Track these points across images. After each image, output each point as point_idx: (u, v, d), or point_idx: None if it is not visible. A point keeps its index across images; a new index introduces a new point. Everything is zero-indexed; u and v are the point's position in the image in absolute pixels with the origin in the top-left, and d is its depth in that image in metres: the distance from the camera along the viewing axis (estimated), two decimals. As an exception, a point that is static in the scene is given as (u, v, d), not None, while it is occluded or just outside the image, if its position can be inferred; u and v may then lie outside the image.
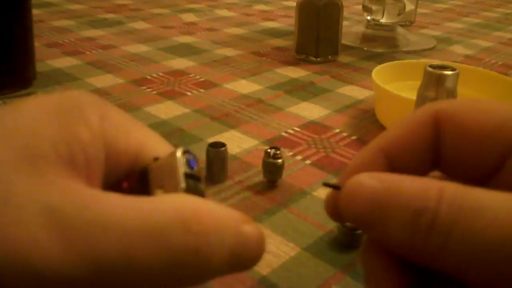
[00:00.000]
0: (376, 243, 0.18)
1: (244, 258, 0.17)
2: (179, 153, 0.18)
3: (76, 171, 0.16)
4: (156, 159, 0.19)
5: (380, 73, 0.57)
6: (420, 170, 0.20)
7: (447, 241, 0.15)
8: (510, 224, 0.14)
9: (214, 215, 0.16)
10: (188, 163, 0.18)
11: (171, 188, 0.18)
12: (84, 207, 0.15)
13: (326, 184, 0.19)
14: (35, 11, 0.71)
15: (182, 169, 0.18)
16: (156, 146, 0.20)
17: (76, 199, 0.15)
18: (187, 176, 0.18)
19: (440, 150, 0.20)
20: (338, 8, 0.74)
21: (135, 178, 0.19)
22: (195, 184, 0.18)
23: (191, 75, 0.69)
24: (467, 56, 0.85)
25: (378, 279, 0.18)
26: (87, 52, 0.78)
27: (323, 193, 0.42)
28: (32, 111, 0.17)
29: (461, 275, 0.15)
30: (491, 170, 0.19)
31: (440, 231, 0.15)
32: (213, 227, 0.16)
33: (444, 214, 0.15)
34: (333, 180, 0.44)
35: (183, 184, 0.17)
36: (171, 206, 0.16)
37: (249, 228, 0.17)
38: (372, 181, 0.17)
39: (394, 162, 0.20)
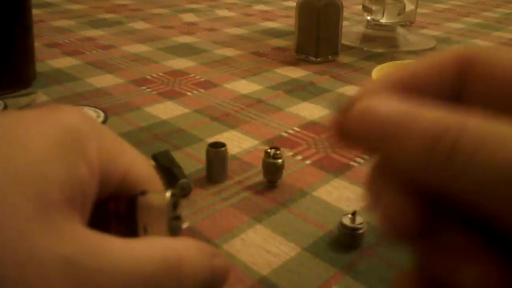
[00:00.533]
0: (386, 167, 0.17)
1: (211, 286, 0.20)
2: (168, 198, 0.20)
3: (74, 210, 0.18)
4: (143, 192, 0.21)
5: (380, 73, 0.57)
6: None
7: (470, 163, 0.14)
8: None
9: (192, 258, 0.19)
10: (173, 205, 0.21)
11: (157, 228, 0.20)
12: (93, 256, 0.17)
13: (335, 104, 0.18)
14: (35, 11, 0.71)
15: (169, 213, 0.20)
16: (141, 168, 0.22)
17: (86, 248, 0.17)
18: (172, 218, 0.21)
19: (464, 97, 0.18)
20: (338, 8, 0.74)
21: (122, 205, 0.21)
22: (177, 224, 0.21)
23: (191, 75, 0.69)
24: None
25: (387, 207, 0.17)
26: (87, 52, 0.78)
27: (323, 193, 0.42)
28: (39, 150, 0.18)
29: (479, 203, 0.15)
30: None
31: (463, 151, 0.14)
32: (190, 270, 0.19)
33: (468, 137, 0.14)
34: (336, 180, 0.44)
35: (168, 227, 0.20)
36: (159, 255, 0.18)
37: (218, 262, 0.21)
38: (388, 102, 0.16)
39: (412, 95, 0.18)
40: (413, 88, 0.18)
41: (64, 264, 0.16)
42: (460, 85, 0.18)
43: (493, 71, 0.18)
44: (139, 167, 0.22)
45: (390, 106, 0.16)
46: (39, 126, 0.18)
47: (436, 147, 0.15)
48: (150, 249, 0.18)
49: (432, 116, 0.15)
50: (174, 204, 0.21)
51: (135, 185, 0.21)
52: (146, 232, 0.20)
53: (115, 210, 0.21)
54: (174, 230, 0.20)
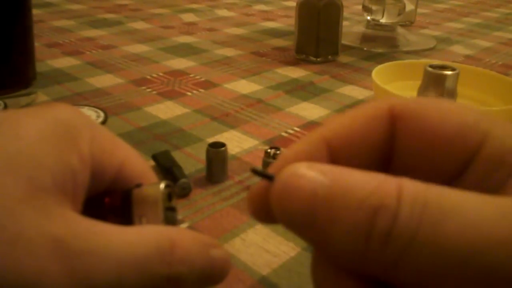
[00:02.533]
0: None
1: (211, 277, 0.20)
2: (162, 188, 0.20)
3: (65, 196, 0.18)
4: (138, 185, 0.21)
5: (380, 73, 0.57)
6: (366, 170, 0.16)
7: (409, 249, 0.12)
8: (487, 227, 0.12)
9: (185, 244, 0.19)
10: (168, 196, 0.20)
11: (152, 218, 0.20)
12: (84, 238, 0.17)
13: (255, 171, 0.16)
14: (35, 11, 0.71)
15: (163, 204, 0.20)
16: (135, 163, 0.22)
17: (76, 231, 0.17)
18: (166, 209, 0.20)
19: (392, 150, 0.17)
20: (338, 8, 0.74)
21: (117, 198, 0.21)
22: (172, 215, 0.21)
23: (191, 75, 0.69)
24: (467, 56, 0.85)
25: None
26: (87, 52, 0.78)
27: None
28: (31, 138, 0.18)
29: None
30: (449, 178, 0.16)
31: (401, 236, 0.12)
32: (184, 256, 0.19)
33: (406, 215, 0.12)
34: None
35: (163, 218, 0.20)
36: (151, 239, 0.18)
37: (216, 252, 0.20)
38: (313, 173, 0.14)
39: (338, 157, 0.17)
40: (341, 145, 0.17)
41: (53, 244, 0.16)
42: (390, 138, 0.17)
43: (419, 124, 0.16)
44: (134, 162, 0.22)
45: (315, 178, 0.14)
46: (32, 119, 0.19)
47: (371, 229, 0.13)
48: (143, 234, 0.18)
49: (362, 188, 0.13)
50: (169, 195, 0.21)
51: (130, 179, 0.21)
52: (141, 223, 0.20)
53: (111, 204, 0.21)
54: (169, 221, 0.20)
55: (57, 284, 0.16)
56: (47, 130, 0.18)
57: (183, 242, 0.19)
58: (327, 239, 0.13)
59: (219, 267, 0.20)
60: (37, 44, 0.65)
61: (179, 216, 0.38)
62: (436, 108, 0.16)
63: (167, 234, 0.19)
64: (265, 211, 0.16)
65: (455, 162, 0.16)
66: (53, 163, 0.18)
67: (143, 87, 0.64)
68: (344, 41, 0.83)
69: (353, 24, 1.02)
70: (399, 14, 0.87)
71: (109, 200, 0.21)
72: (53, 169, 0.18)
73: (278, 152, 0.42)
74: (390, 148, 0.17)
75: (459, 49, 0.89)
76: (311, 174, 0.14)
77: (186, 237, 0.19)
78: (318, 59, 0.75)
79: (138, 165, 0.22)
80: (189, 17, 1.05)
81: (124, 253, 0.17)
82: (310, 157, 0.17)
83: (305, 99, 0.62)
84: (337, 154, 0.17)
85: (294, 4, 0.78)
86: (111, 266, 0.17)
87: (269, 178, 0.15)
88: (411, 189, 0.13)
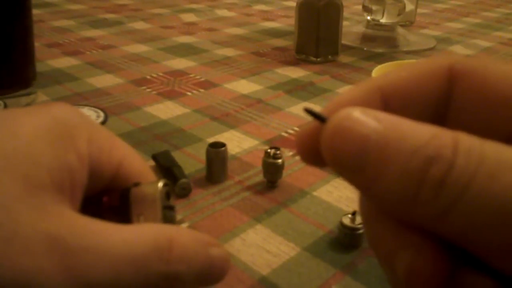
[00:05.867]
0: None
1: (210, 277, 0.20)
2: (160, 187, 0.20)
3: (63, 194, 0.18)
4: (136, 184, 0.21)
5: (380, 73, 0.57)
6: None
7: (461, 199, 0.12)
8: None
9: (184, 243, 0.19)
10: (166, 195, 0.20)
11: (150, 217, 0.20)
12: (80, 236, 0.17)
13: (308, 111, 0.15)
14: (35, 11, 0.71)
15: (162, 202, 0.20)
16: (133, 162, 0.22)
17: (73, 228, 0.17)
18: (164, 207, 0.20)
19: (447, 107, 0.17)
20: (338, 8, 0.74)
21: (115, 197, 0.21)
22: (171, 213, 0.21)
23: (191, 75, 0.69)
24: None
25: (391, 251, 0.14)
26: (87, 52, 0.78)
27: (323, 193, 0.42)
28: (28, 136, 0.18)
29: (465, 243, 0.13)
30: (504, 140, 0.15)
31: (455, 185, 0.12)
32: (182, 254, 0.18)
33: (461, 166, 0.12)
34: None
35: (161, 216, 0.20)
36: (149, 237, 0.18)
37: (215, 251, 0.20)
38: (368, 118, 0.14)
39: (391, 108, 0.17)
40: (396, 97, 0.17)
41: (49, 241, 0.16)
42: (447, 95, 0.17)
43: (478, 84, 0.16)
44: (132, 161, 0.22)
45: (369, 124, 0.13)
46: (30, 118, 0.19)
47: (424, 176, 0.13)
48: (141, 232, 0.18)
49: (417, 136, 0.13)
50: (167, 193, 0.21)
51: (128, 178, 0.21)
52: (139, 222, 0.20)
53: (109, 203, 0.21)
54: (168, 219, 0.20)
55: (54, 282, 0.16)
56: (44, 129, 0.18)
57: (182, 240, 0.19)
58: (377, 184, 0.13)
59: (218, 266, 0.20)
60: (37, 44, 0.65)
61: (179, 216, 0.38)
62: (497, 68, 0.16)
63: (165, 232, 0.19)
64: (313, 153, 0.16)
65: (511, 125, 0.16)
66: (51, 161, 0.18)
67: (143, 87, 0.64)
68: (344, 41, 0.83)
69: (353, 24, 1.02)
70: (399, 14, 0.87)
71: (108, 199, 0.21)
72: (50, 167, 0.18)
73: (278, 152, 0.42)
74: (446, 105, 0.17)
75: (459, 49, 0.89)
76: (365, 119, 0.14)
77: (185, 236, 0.19)
78: (318, 59, 0.75)
79: (137, 164, 0.22)
80: (189, 17, 1.05)
81: (121, 250, 0.17)
82: (364, 103, 0.16)
83: (305, 99, 0.62)
84: (391, 105, 0.17)
85: (294, 4, 0.78)
86: (108, 263, 0.17)
87: (322, 119, 0.15)
88: (467, 141, 0.13)
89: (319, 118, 0.15)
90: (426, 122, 0.15)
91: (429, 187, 0.13)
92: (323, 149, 0.14)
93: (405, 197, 0.13)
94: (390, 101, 0.17)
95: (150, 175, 0.22)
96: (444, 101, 0.17)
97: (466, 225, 0.12)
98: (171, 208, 0.21)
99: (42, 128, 0.18)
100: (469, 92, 0.16)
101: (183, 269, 0.18)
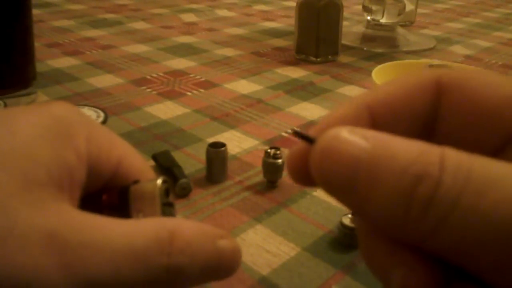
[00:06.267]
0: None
1: (218, 270, 0.19)
2: (159, 184, 0.20)
3: (62, 192, 0.18)
4: (135, 182, 0.21)
5: (380, 73, 0.57)
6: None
7: (449, 217, 0.12)
8: None
9: (186, 234, 0.18)
10: (166, 192, 0.20)
11: (149, 214, 0.20)
12: (78, 231, 0.16)
13: (297, 133, 0.16)
14: (35, 11, 0.71)
15: (161, 199, 0.20)
16: (132, 160, 0.22)
17: (71, 224, 0.17)
18: (164, 204, 0.20)
19: (435, 120, 0.17)
20: (338, 8, 0.74)
21: (115, 195, 0.21)
22: (170, 210, 0.21)
23: (191, 75, 0.69)
24: (467, 56, 0.85)
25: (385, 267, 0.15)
26: (87, 52, 0.78)
27: (323, 193, 0.42)
28: (26, 134, 0.18)
29: (457, 259, 0.13)
30: (492, 152, 0.16)
31: (442, 203, 0.12)
32: (184, 246, 0.18)
33: (448, 184, 0.12)
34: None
35: (161, 213, 0.20)
36: (150, 229, 0.18)
37: (224, 243, 0.19)
38: (356, 137, 0.14)
39: (379, 124, 0.17)
40: (384, 112, 0.17)
41: (47, 237, 0.16)
42: (435, 108, 0.17)
43: (466, 95, 0.16)
44: (131, 159, 0.22)
45: (358, 143, 0.14)
46: (28, 116, 0.19)
47: (413, 195, 0.13)
48: (141, 225, 0.18)
49: (405, 155, 0.13)
50: (166, 190, 0.21)
51: (127, 176, 0.21)
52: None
53: (108, 201, 0.21)
54: (167, 216, 0.20)
55: (52, 279, 0.16)
56: (42, 127, 0.18)
57: (184, 232, 0.18)
58: (367, 204, 0.13)
59: (227, 259, 0.19)
60: (37, 44, 0.65)
61: (179, 216, 0.38)
62: (483, 80, 0.16)
63: (167, 225, 0.18)
64: (304, 173, 0.16)
65: (499, 135, 0.16)
66: (49, 159, 0.18)
67: (143, 87, 0.64)
68: (344, 41, 0.83)
69: (353, 24, 1.02)
70: (399, 14, 0.87)
71: (107, 197, 0.21)
72: (48, 164, 0.18)
73: (278, 152, 0.42)
74: (433, 118, 0.17)
75: (459, 49, 0.89)
76: (353, 138, 0.14)
77: (188, 228, 0.19)
78: (318, 59, 0.75)
79: (136, 162, 0.22)
80: (189, 17, 1.05)
81: (121, 244, 0.17)
82: (352, 122, 0.16)
83: (305, 99, 0.62)
84: (379, 121, 0.17)
85: (294, 4, 0.78)
86: (108, 258, 0.16)
87: (310, 140, 0.15)
88: (454, 158, 0.13)
89: (307, 139, 0.15)
90: (415, 136, 0.15)
91: (418, 205, 0.13)
92: (312, 171, 0.14)
93: (395, 215, 0.13)
94: (378, 117, 0.17)
95: (150, 173, 0.22)
96: (432, 114, 0.17)
97: (456, 242, 0.12)
98: (170, 205, 0.21)
99: (40, 126, 0.18)
100: (457, 105, 0.16)
101: (186, 261, 0.18)
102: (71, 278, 0.16)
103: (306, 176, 0.16)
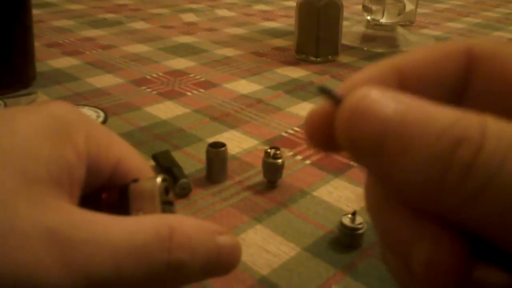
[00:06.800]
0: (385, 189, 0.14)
1: (218, 266, 0.19)
2: (159, 182, 0.20)
3: (62, 189, 0.18)
4: (135, 180, 0.21)
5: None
6: None
7: (491, 183, 0.11)
8: None
9: (186, 231, 0.18)
10: (165, 190, 0.20)
11: (149, 212, 0.20)
12: (79, 227, 0.17)
13: (322, 89, 0.14)
14: (35, 11, 0.71)
15: (160, 197, 0.20)
16: (132, 159, 0.22)
17: (71, 221, 0.17)
18: (163, 202, 0.20)
19: (465, 90, 0.16)
20: (338, 8, 0.74)
21: (114, 194, 0.21)
22: (170, 208, 0.21)
23: (191, 75, 0.69)
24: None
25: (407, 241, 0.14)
26: (87, 52, 0.78)
27: (323, 193, 0.42)
28: (26, 133, 0.18)
29: (491, 232, 0.12)
30: None
31: (484, 169, 0.11)
32: (184, 242, 0.18)
33: (491, 149, 0.12)
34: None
35: (160, 211, 0.20)
36: (150, 226, 0.18)
37: (223, 240, 0.19)
38: (387, 98, 0.13)
39: (407, 89, 0.16)
40: (412, 78, 0.16)
41: (47, 234, 0.16)
42: (464, 78, 0.16)
43: (497, 68, 0.16)
44: (130, 157, 0.22)
45: (390, 104, 0.13)
46: (27, 115, 0.19)
47: (452, 159, 0.12)
48: (141, 222, 0.18)
49: (442, 118, 0.12)
50: (166, 188, 0.21)
51: (127, 175, 0.21)
52: None
53: (108, 200, 0.21)
54: None
55: (53, 276, 0.16)
56: (42, 126, 0.18)
57: (184, 228, 0.18)
58: (398, 169, 0.12)
59: (227, 255, 0.19)
60: (37, 44, 0.65)
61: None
62: None
63: (167, 221, 0.18)
64: (325, 136, 0.15)
65: None
66: (48, 157, 0.18)
67: (143, 87, 0.64)
68: (344, 41, 0.83)
69: (353, 24, 1.02)
70: (399, 14, 0.87)
71: (106, 195, 0.21)
72: (48, 162, 0.18)
73: (278, 152, 0.42)
74: (462, 88, 0.16)
75: (459, 49, 0.89)
76: (384, 99, 0.13)
77: (187, 224, 0.19)
78: (318, 59, 0.75)
79: (135, 160, 0.22)
80: (189, 17, 1.05)
81: (122, 241, 0.17)
82: (381, 83, 0.16)
83: (305, 99, 0.62)
84: (406, 85, 0.16)
85: (294, 4, 0.78)
86: (109, 254, 0.16)
87: (337, 99, 0.14)
88: (495, 125, 0.12)
89: (334, 98, 0.14)
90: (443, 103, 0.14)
91: (457, 170, 0.12)
92: (338, 132, 0.13)
93: (429, 181, 0.12)
94: (406, 82, 0.16)
95: (149, 172, 0.22)
96: (462, 84, 0.16)
97: (495, 211, 0.12)
98: (170, 203, 0.21)
99: (40, 125, 0.18)
100: (487, 75, 0.16)
101: (186, 257, 0.18)
102: (72, 274, 0.16)
103: (326, 139, 0.15)
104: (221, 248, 0.19)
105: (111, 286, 0.17)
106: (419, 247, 0.13)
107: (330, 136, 0.14)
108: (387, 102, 0.13)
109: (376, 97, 0.13)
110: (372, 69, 0.16)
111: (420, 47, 0.17)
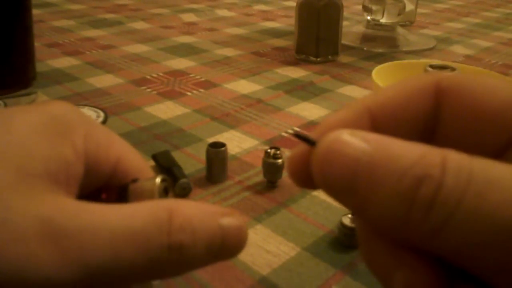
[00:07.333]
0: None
1: (224, 249, 0.18)
2: (158, 182, 0.20)
3: (58, 185, 0.18)
4: (134, 180, 0.21)
5: (380, 73, 0.57)
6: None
7: (451, 218, 0.12)
8: None
9: (186, 213, 0.17)
10: (165, 190, 0.20)
11: None
12: (73, 216, 0.16)
13: (298, 135, 0.16)
14: (35, 11, 0.71)
15: (160, 197, 0.20)
16: (131, 159, 0.22)
17: (65, 210, 0.16)
18: None
19: (435, 124, 0.17)
20: (338, 8, 0.74)
21: (114, 194, 0.21)
22: None
23: (191, 75, 0.69)
24: (467, 56, 0.85)
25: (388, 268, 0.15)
26: (87, 52, 0.78)
27: (323, 193, 0.42)
28: (23, 131, 0.18)
29: (459, 261, 0.13)
30: (492, 155, 0.16)
31: (444, 205, 0.12)
32: (184, 223, 0.17)
33: (450, 186, 0.12)
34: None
35: None
36: (148, 210, 0.17)
37: (228, 221, 0.18)
38: (356, 140, 0.14)
39: (380, 128, 0.17)
40: (384, 116, 0.17)
41: (41, 225, 0.16)
42: (434, 112, 0.17)
43: (465, 99, 0.16)
44: (130, 157, 0.22)
45: (358, 146, 0.14)
46: (26, 114, 0.19)
47: (414, 197, 0.13)
48: (138, 208, 0.17)
49: (406, 157, 0.13)
50: (165, 189, 0.20)
51: (126, 175, 0.21)
52: None
53: (107, 199, 0.21)
54: None
55: (49, 267, 0.15)
56: (40, 125, 0.18)
57: (184, 210, 0.18)
58: (368, 206, 0.13)
59: (232, 236, 0.18)
60: (37, 44, 0.65)
61: None
62: (483, 83, 0.16)
63: (165, 204, 0.18)
64: (304, 175, 0.16)
65: (500, 138, 0.16)
66: (45, 153, 0.18)
67: (143, 87, 0.64)
68: (344, 41, 0.83)
69: (353, 24, 1.02)
70: (399, 14, 0.87)
71: (106, 195, 0.21)
72: (45, 158, 0.17)
73: (278, 152, 0.42)
74: (434, 122, 0.17)
75: (459, 49, 0.89)
76: (354, 141, 0.14)
77: (187, 206, 0.18)
78: (318, 59, 0.75)
79: (135, 160, 0.22)
80: (189, 17, 1.05)
81: (118, 227, 0.16)
82: (352, 125, 0.16)
83: (305, 99, 0.62)
84: (379, 124, 0.17)
85: (294, 4, 0.78)
86: (106, 242, 0.16)
87: (311, 143, 0.15)
88: (455, 159, 0.13)
89: (308, 141, 0.15)
90: (415, 139, 0.15)
91: (419, 207, 0.13)
92: (314, 173, 0.14)
93: (396, 217, 0.13)
94: (378, 120, 0.17)
95: (148, 172, 0.22)
96: (433, 118, 0.17)
97: (458, 244, 0.12)
98: None
99: (38, 124, 0.18)
100: (457, 108, 0.17)
101: (187, 240, 0.17)
102: (69, 265, 0.15)
103: (307, 178, 0.16)
104: (226, 230, 0.18)
105: (112, 274, 0.16)
106: (398, 274, 0.14)
107: (310, 175, 0.15)
108: (356, 144, 0.14)
109: (346, 139, 0.14)
110: (345, 111, 0.17)
111: (391, 84, 0.17)
